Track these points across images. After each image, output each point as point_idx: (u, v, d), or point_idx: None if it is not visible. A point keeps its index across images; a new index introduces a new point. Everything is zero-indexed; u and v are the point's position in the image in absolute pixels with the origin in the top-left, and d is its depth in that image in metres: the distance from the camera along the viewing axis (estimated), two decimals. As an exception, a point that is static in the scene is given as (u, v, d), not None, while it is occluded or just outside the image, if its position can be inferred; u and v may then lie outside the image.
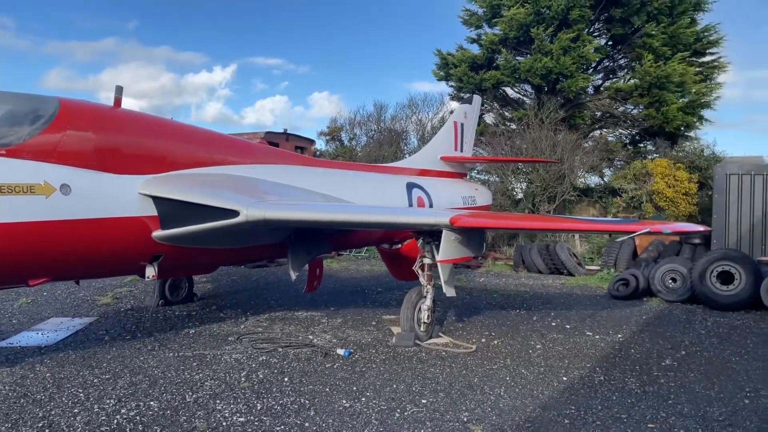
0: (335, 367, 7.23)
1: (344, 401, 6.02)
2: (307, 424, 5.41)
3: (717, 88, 25.33)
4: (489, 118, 28.35)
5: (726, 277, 11.26)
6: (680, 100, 24.41)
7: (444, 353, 7.93)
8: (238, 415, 5.61)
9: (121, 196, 7.25)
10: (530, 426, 5.44)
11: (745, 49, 57.41)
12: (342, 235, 10.31)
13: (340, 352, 7.79)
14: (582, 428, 5.39)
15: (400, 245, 11.99)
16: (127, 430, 5.23)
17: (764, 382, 6.80)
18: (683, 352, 8.14)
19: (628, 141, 27.27)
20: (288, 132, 21.82)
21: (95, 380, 6.56)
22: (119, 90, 7.81)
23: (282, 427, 5.35)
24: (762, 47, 55.78)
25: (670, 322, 10.16)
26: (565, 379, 6.88)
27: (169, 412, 5.67)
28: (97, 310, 10.47)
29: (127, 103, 8.00)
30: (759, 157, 23.15)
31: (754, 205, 13.68)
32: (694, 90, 24.30)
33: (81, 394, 6.11)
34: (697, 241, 14.52)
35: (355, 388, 6.43)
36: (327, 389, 6.39)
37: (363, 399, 6.10)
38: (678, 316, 10.68)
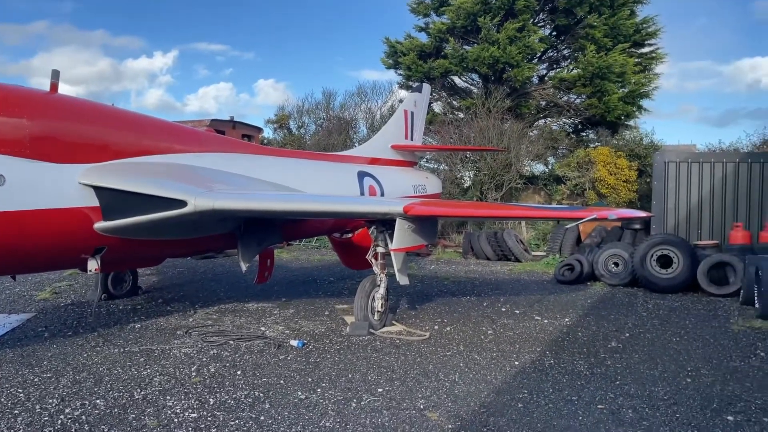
0: (289, 358, 7.14)
1: (300, 393, 5.95)
2: (262, 418, 5.31)
3: (655, 79, 26.29)
4: (437, 107, 28.51)
5: (665, 261, 11.74)
6: (620, 90, 25.18)
7: (398, 341, 7.95)
8: (190, 410, 5.46)
9: (60, 186, 6.90)
10: (485, 411, 5.52)
11: (679, 41, 59.87)
12: (293, 224, 10.16)
13: (294, 343, 7.70)
14: (535, 411, 5.51)
15: (351, 234, 11.94)
16: (73, 430, 5.00)
17: (704, 361, 7.13)
18: (627, 334, 8.45)
19: (571, 130, 27.98)
20: (234, 120, 21.31)
21: (36, 379, 6.25)
22: (55, 74, 7.40)
23: (236, 421, 5.23)
24: (695, 40, 58.29)
25: (614, 305, 10.53)
26: (516, 363, 7.02)
27: (116, 410, 5.46)
28: (35, 305, 9.99)
29: (63, 90, 7.59)
30: (692, 145, 24.25)
31: (690, 191, 14.30)
32: (633, 80, 25.11)
33: (21, 394, 5.80)
34: (637, 226, 15.06)
35: (310, 380, 6.36)
36: (281, 381, 6.30)
37: (319, 390, 6.04)
38: (621, 299, 11.08)
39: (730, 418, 5.34)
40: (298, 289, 11.95)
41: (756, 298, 9.78)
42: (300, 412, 5.45)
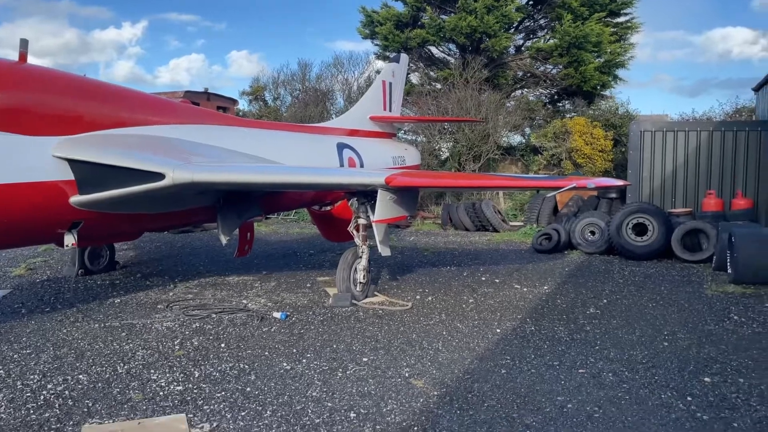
0: (273, 330, 7.14)
1: (285, 364, 5.97)
2: (248, 389, 5.32)
3: (630, 48, 26.43)
4: (415, 78, 28.31)
5: (640, 229, 11.95)
6: (596, 60, 25.27)
7: (381, 311, 8.01)
8: (176, 383, 5.44)
9: (33, 160, 6.71)
10: (469, 377, 5.60)
11: (653, 11, 60.11)
12: (273, 197, 10.07)
13: (277, 315, 7.69)
14: (518, 377, 5.61)
15: (330, 207, 11.89)
16: (56, 405, 4.95)
17: (680, 325, 7.32)
18: (605, 301, 8.62)
19: (547, 100, 28.08)
20: (209, 91, 20.90)
21: (15, 356, 6.16)
22: (24, 44, 7.12)
23: (222, 393, 5.24)
24: (668, 10, 58.53)
25: (591, 273, 10.71)
26: (498, 330, 7.13)
27: (100, 384, 5.41)
28: (10, 282, 9.79)
29: (29, 61, 7.31)
30: (664, 115, 24.55)
31: (665, 160, 14.51)
32: (609, 50, 25.21)
33: (1, 371, 5.71)
34: (613, 195, 15.28)
35: (295, 350, 6.38)
36: (266, 353, 6.30)
37: (304, 360, 6.07)
38: (598, 267, 11.28)
39: (707, 379, 5.50)
40: (279, 262, 11.91)
41: (728, 263, 10.04)
42: (286, 383, 5.47)
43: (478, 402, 5.03)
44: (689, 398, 5.07)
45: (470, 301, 8.63)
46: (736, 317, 7.68)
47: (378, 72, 20.47)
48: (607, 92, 26.92)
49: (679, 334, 6.92)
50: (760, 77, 15.31)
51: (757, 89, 16.25)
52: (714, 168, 14.13)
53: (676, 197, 14.32)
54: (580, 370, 5.76)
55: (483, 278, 10.23)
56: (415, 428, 4.54)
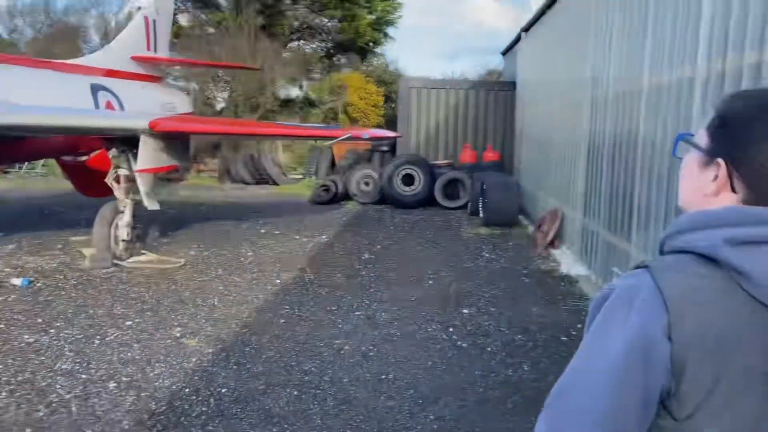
0: (11, 299, 6.07)
1: (26, 336, 5.10)
2: (-24, 371, 4.43)
3: (399, 8, 27.67)
4: (184, 20, 26.16)
5: (409, 180, 12.76)
6: (369, 17, 26.04)
7: (149, 271, 7.33)
8: None
9: None
10: (247, 331, 5.40)
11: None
12: (8, 144, 8.45)
13: (16, 282, 6.57)
14: (297, 325, 5.56)
15: (86, 157, 10.46)
16: None
17: (443, 265, 7.96)
18: (379, 247, 9.03)
19: (324, 54, 28.25)
20: None
21: None
22: None
23: (-61, 380, 4.27)
24: (433, -23, 62.37)
25: (366, 222, 11.17)
26: (278, 281, 7.01)
27: None
28: None
29: None
30: (427, 77, 26.45)
31: (429, 116, 15.58)
32: (380, 7, 26.13)
33: None
34: (385, 148, 15.98)
35: (40, 320, 5.49)
36: (1, 326, 5.32)
37: (52, 331, 5.25)
38: (372, 216, 11.80)
39: (465, 311, 6.06)
40: (19, 221, 10.18)
41: (480, 208, 11.22)
42: (28, 358, 4.67)
43: (255, 355, 4.86)
44: (451, 329, 5.52)
45: (249, 254, 8.35)
46: (487, 255, 8.63)
47: (139, 8, 18.40)
48: (378, 50, 28.03)
49: (442, 273, 7.53)
50: (506, 45, 17.20)
51: (504, 53, 18.23)
52: (470, 123, 15.55)
53: (439, 150, 15.52)
54: (357, 313, 5.92)
55: (263, 231, 10.00)
56: (187, 390, 4.21)
